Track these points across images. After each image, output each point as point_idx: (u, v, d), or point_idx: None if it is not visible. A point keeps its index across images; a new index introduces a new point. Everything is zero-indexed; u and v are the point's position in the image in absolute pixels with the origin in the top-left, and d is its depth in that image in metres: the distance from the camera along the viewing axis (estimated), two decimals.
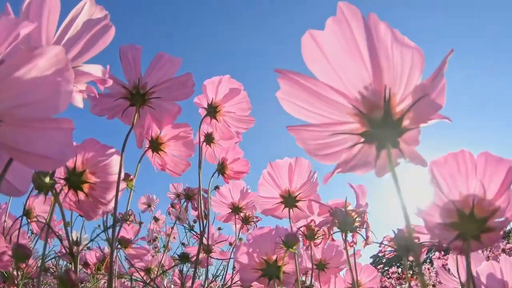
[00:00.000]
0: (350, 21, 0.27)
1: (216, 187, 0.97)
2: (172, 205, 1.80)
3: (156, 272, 1.27)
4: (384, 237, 0.70)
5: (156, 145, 0.66)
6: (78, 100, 0.37)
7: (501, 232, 0.40)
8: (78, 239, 1.03)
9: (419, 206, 0.42)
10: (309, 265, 0.84)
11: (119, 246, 0.99)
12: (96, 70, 0.38)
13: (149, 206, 2.06)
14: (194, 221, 1.69)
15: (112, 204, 0.54)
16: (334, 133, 0.31)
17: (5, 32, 0.24)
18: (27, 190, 0.33)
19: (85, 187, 0.52)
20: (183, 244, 1.95)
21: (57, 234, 0.50)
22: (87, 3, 0.37)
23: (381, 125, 0.30)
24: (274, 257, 0.69)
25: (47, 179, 0.45)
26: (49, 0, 0.33)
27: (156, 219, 2.15)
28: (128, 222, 1.05)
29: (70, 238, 0.46)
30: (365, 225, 0.67)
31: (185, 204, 1.07)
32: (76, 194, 0.53)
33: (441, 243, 0.47)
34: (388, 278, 3.56)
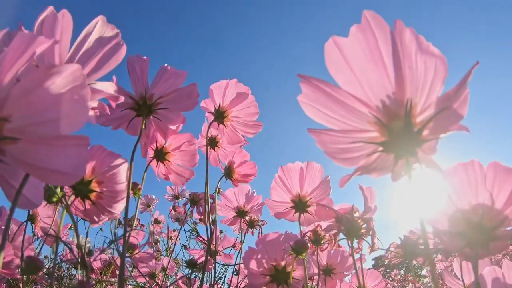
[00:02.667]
0: (375, 30, 0.27)
1: (218, 191, 0.96)
2: (174, 208, 1.80)
3: (161, 279, 1.27)
4: (391, 244, 0.70)
5: (161, 155, 0.66)
6: (91, 118, 0.37)
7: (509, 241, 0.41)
8: (89, 248, 1.03)
9: (428, 213, 0.42)
10: (316, 270, 0.84)
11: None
12: (108, 88, 0.38)
13: (148, 206, 2.06)
14: (195, 223, 1.69)
15: (118, 212, 0.54)
16: (354, 141, 0.31)
17: (21, 48, 0.24)
18: (41, 203, 0.33)
19: (92, 195, 0.52)
20: (184, 246, 1.95)
21: (69, 245, 0.49)
22: (99, 22, 0.37)
23: (401, 136, 0.29)
24: (283, 263, 0.69)
25: (58, 190, 0.45)
26: (62, 18, 0.33)
27: (157, 222, 2.15)
28: (133, 227, 1.05)
29: (83, 250, 0.46)
30: (371, 232, 0.67)
31: (190, 209, 1.07)
32: (83, 202, 0.53)
33: (449, 250, 0.47)
34: (391, 281, 3.55)
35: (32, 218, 0.86)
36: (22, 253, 0.76)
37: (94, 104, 0.38)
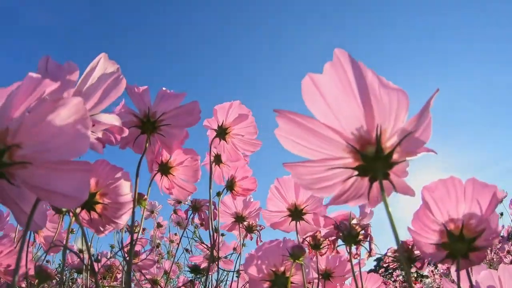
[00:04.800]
0: (345, 67, 0.30)
1: (218, 193, 0.99)
2: (175, 211, 1.82)
3: (163, 285, 1.28)
4: (388, 249, 0.72)
5: (165, 169, 0.69)
6: (98, 147, 0.40)
7: (488, 251, 0.43)
8: (92, 253, 1.05)
9: (411, 226, 0.45)
10: (315, 275, 0.85)
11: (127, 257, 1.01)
12: (112, 120, 0.41)
13: (152, 212, 2.09)
14: (196, 227, 1.71)
15: (123, 223, 0.56)
16: (330, 168, 0.33)
17: (31, 87, 0.27)
18: (45, 225, 0.36)
19: (98, 207, 0.54)
20: (186, 250, 1.96)
21: (79, 255, 0.51)
22: (101, 59, 0.40)
23: (373, 159, 0.32)
24: (282, 269, 0.71)
25: None
26: (67, 67, 0.36)
27: (159, 225, 2.17)
28: (138, 234, 1.07)
29: (92, 257, 0.48)
30: (368, 238, 0.69)
31: (192, 215, 1.08)
32: (89, 213, 0.55)
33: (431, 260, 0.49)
34: (393, 282, 3.56)
35: None
36: (27, 261, 0.77)
37: (100, 134, 0.40)
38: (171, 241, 2.16)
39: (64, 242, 0.63)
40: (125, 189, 0.54)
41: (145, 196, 0.64)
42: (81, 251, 1.26)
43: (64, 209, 0.49)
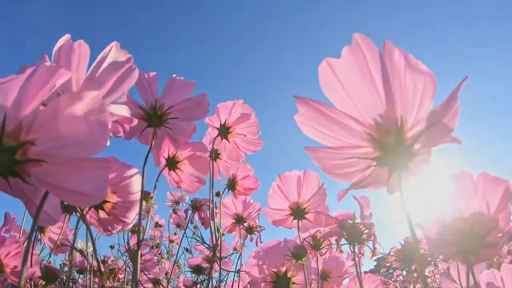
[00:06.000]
0: (365, 51, 0.29)
1: (218, 193, 0.99)
2: (174, 211, 1.81)
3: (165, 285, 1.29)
4: (391, 249, 0.73)
5: (173, 163, 0.67)
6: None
7: (500, 247, 0.42)
8: (105, 257, 1.06)
9: (421, 222, 0.44)
10: (313, 275, 0.86)
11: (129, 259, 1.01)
12: (122, 111, 0.39)
13: (148, 212, 2.08)
14: (196, 227, 1.72)
15: (131, 221, 0.56)
16: (348, 157, 0.32)
17: (44, 79, 0.26)
18: (59, 219, 0.35)
19: (106, 206, 0.54)
20: (186, 250, 1.96)
21: (86, 256, 0.52)
22: (113, 47, 0.38)
23: (393, 151, 0.30)
24: (283, 269, 0.71)
25: None
26: (78, 48, 0.35)
27: (157, 225, 2.17)
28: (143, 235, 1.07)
29: (99, 258, 0.48)
30: (372, 237, 0.69)
31: (192, 215, 1.09)
32: (97, 212, 0.55)
33: (442, 257, 0.48)
34: (393, 281, 3.56)
35: (41, 228, 0.87)
36: (32, 262, 0.78)
37: (109, 125, 0.39)
38: (171, 241, 2.16)
39: (72, 242, 0.64)
40: (135, 187, 0.54)
41: (151, 194, 0.64)
42: (82, 251, 1.26)
43: (71, 209, 0.49)
